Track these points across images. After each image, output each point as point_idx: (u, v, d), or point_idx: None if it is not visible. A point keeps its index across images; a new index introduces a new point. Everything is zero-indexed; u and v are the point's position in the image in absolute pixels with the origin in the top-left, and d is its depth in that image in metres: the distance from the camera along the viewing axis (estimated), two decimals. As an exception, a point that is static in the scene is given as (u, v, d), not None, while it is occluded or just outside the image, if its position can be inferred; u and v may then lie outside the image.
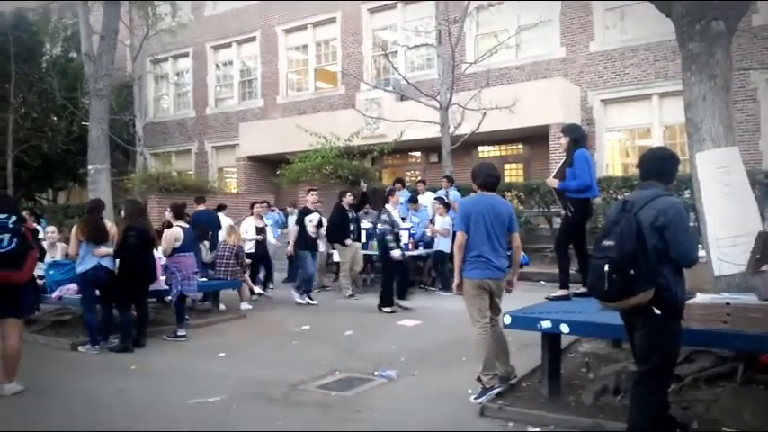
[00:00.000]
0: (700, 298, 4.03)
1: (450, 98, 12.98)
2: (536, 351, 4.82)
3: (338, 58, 19.36)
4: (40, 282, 7.05)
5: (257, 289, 10.41)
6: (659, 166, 3.61)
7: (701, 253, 4.74)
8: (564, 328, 4.36)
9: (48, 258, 8.12)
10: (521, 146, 16.72)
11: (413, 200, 11.21)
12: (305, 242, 9.74)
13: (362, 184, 13.35)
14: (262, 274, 10.94)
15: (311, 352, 6.64)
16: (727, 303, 3.85)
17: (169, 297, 7.68)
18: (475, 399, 4.60)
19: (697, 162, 4.97)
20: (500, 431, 4.18)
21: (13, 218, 5.15)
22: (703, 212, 4.90)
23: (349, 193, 10.47)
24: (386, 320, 8.27)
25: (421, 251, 10.58)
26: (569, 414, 4.20)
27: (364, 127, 14.88)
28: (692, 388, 4.29)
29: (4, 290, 5.09)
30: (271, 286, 10.97)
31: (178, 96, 23.76)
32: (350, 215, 10.21)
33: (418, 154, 18.32)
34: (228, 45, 22.05)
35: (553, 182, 5.69)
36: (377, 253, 11.13)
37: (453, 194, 11.29)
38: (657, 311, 3.29)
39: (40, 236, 9.40)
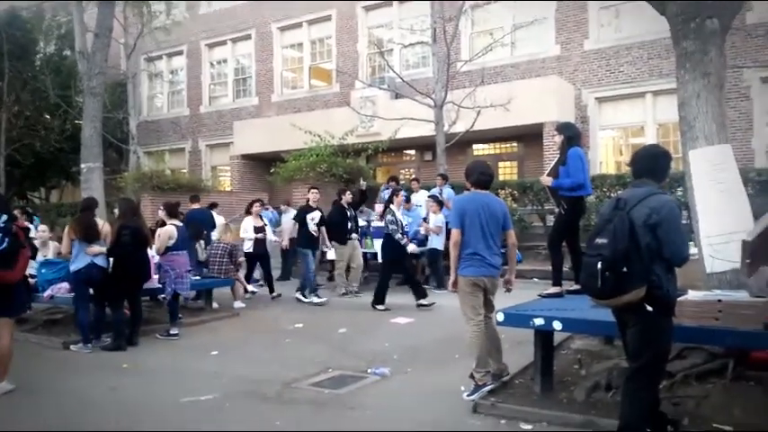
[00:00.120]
0: (691, 295, 4.05)
1: (445, 96, 12.98)
2: (529, 348, 4.83)
3: (333, 56, 19.33)
4: (31, 280, 7.03)
5: (251, 287, 10.39)
6: (652, 164, 3.62)
7: (694, 250, 4.76)
8: (557, 325, 4.36)
9: (39, 257, 8.08)
10: (515, 144, 16.74)
11: (405, 199, 11.19)
12: (306, 240, 9.73)
13: (362, 182, 13.36)
14: (257, 273, 10.91)
15: (305, 350, 6.63)
16: (719, 300, 3.87)
17: (163, 295, 7.66)
18: (468, 396, 4.62)
19: (690, 159, 4.98)
20: (492, 429, 4.18)
21: (5, 217, 5.11)
22: (696, 210, 4.91)
23: (349, 191, 10.50)
24: (379, 318, 8.27)
25: (415, 248, 10.56)
26: (561, 411, 4.21)
27: (359, 125, 14.87)
28: (683, 384, 4.30)
29: (-4, 289, 5.06)
30: (261, 283, 10.87)
31: (172, 94, 23.68)
32: (348, 213, 10.21)
33: (413, 152, 18.32)
34: (223, 43, 21.98)
35: (547, 180, 5.70)
36: (371, 251, 11.19)
37: (447, 192, 11.29)
38: (650, 309, 3.30)
39: (32, 234, 9.36)
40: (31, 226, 10.12)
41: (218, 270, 9.23)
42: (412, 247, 9.08)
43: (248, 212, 12.17)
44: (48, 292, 7.35)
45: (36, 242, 8.33)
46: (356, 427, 4.32)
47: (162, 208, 8.27)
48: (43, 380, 5.63)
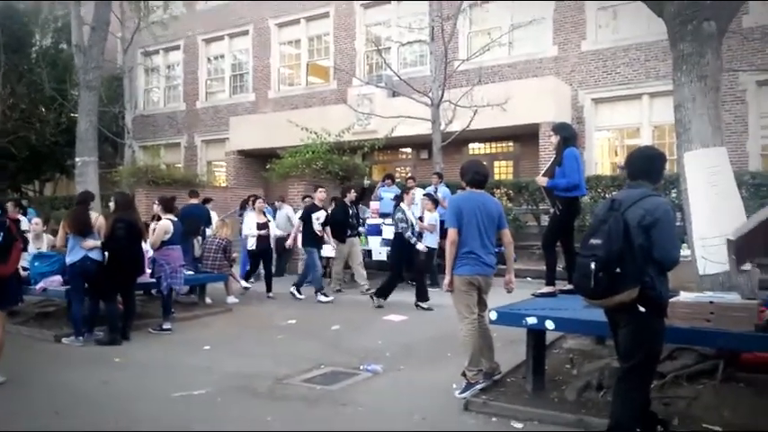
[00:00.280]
0: (683, 296, 4.07)
1: (442, 95, 12.97)
2: (521, 347, 4.85)
3: (331, 54, 19.29)
4: (24, 273, 7.01)
5: (244, 283, 10.39)
6: (647, 166, 3.63)
7: (686, 252, 4.79)
8: (549, 324, 4.37)
9: (33, 249, 8.05)
10: (511, 143, 16.75)
11: (399, 197, 11.20)
12: (312, 239, 9.75)
13: (366, 181, 13.36)
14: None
15: (297, 346, 6.63)
16: (711, 302, 3.88)
17: (159, 289, 7.62)
18: (459, 394, 4.63)
19: (685, 162, 5.00)
20: (483, 428, 4.19)
21: (-1, 210, 5.11)
22: (690, 212, 4.93)
23: (353, 190, 10.52)
24: (373, 315, 8.27)
25: (423, 247, 10.52)
26: (553, 410, 4.23)
27: (355, 122, 14.84)
28: (674, 385, 4.33)
29: (-12, 281, 5.04)
30: (252, 280, 10.83)
31: (168, 89, 23.59)
32: (351, 211, 10.22)
33: (409, 150, 18.31)
34: (220, 38, 21.90)
35: (542, 180, 5.72)
36: (366, 248, 11.18)
37: (443, 191, 11.30)
38: (642, 309, 3.31)
39: (25, 227, 9.32)
40: (24, 218, 10.09)
41: (212, 265, 9.21)
42: (421, 246, 9.09)
43: (243, 208, 12.19)
44: (40, 285, 7.32)
45: (30, 235, 8.29)
46: (348, 423, 4.32)
47: (157, 202, 8.24)
48: (35, 373, 5.61)
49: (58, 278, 7.29)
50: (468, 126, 12.90)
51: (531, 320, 4.43)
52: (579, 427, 3.99)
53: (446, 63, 13.01)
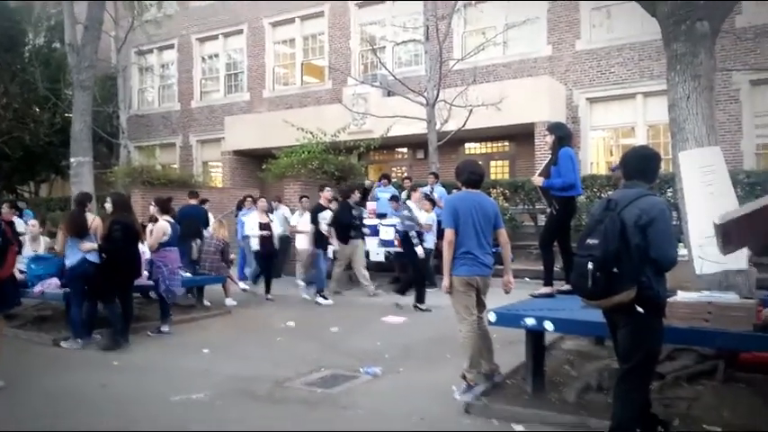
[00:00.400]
0: (682, 296, 4.07)
1: (437, 95, 12.97)
2: (520, 348, 4.85)
3: (325, 53, 19.26)
4: (21, 276, 6.97)
5: (242, 284, 10.36)
6: (643, 165, 3.63)
7: (683, 252, 4.80)
8: (548, 325, 4.37)
9: (30, 252, 8.01)
10: (506, 143, 16.77)
11: (394, 198, 11.19)
12: (318, 240, 9.72)
13: (366, 181, 13.34)
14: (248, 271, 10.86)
15: (296, 348, 6.63)
16: (709, 302, 3.90)
17: (157, 292, 7.59)
18: (459, 396, 4.63)
19: (680, 161, 5.02)
20: (484, 429, 4.20)
21: (-6, 213, 5.08)
22: (686, 211, 4.95)
23: (356, 191, 10.49)
24: (371, 317, 8.27)
25: (422, 252, 10.52)
26: (553, 411, 4.24)
27: (351, 122, 14.82)
28: (674, 386, 4.34)
29: (-15, 285, 5.02)
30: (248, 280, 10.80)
31: (163, 89, 23.49)
32: (354, 213, 10.20)
33: (405, 150, 18.30)
34: (215, 37, 21.82)
35: (538, 180, 5.72)
36: (365, 249, 11.17)
37: (439, 191, 11.30)
38: (640, 310, 3.31)
39: (21, 229, 9.27)
40: (20, 220, 10.04)
41: (210, 267, 9.19)
42: (420, 251, 9.06)
43: (239, 209, 12.15)
44: (38, 288, 7.28)
45: (27, 237, 8.25)
46: (348, 426, 4.32)
47: (154, 203, 8.21)
48: (33, 376, 5.59)
49: (56, 281, 7.26)
50: (463, 126, 12.92)
51: (530, 321, 4.43)
52: (580, 429, 4.00)
53: (441, 62, 13.02)
